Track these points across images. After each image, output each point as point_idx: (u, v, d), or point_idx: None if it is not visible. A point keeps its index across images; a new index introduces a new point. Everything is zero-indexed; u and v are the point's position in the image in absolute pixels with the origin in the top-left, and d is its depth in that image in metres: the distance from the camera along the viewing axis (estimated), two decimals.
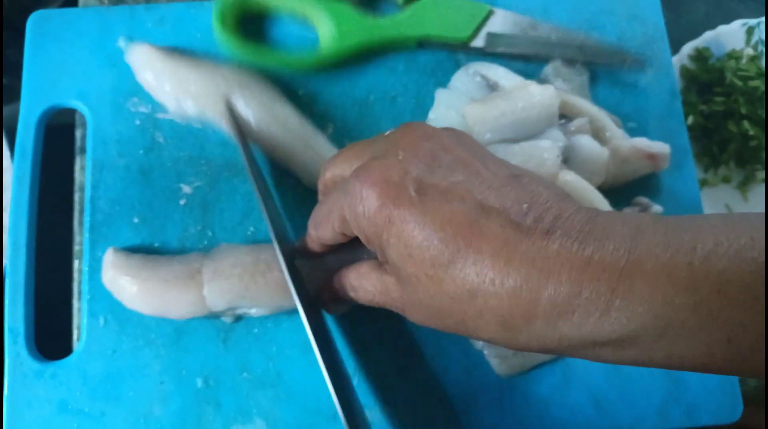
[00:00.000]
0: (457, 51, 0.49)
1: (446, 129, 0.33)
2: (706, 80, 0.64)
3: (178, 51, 0.46)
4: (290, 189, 0.46)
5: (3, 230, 0.56)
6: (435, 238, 0.28)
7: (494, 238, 0.27)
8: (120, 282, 0.41)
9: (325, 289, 0.39)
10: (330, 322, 0.43)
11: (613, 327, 0.25)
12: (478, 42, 0.48)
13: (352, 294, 0.36)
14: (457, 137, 0.32)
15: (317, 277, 0.39)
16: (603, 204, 0.42)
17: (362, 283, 0.35)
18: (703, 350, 0.24)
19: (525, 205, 0.28)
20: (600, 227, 0.26)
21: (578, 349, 0.26)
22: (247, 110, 0.44)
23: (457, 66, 0.48)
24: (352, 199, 0.30)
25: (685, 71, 0.65)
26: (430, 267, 0.28)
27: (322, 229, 0.35)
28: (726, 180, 0.64)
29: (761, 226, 0.24)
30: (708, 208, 0.51)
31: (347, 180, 0.32)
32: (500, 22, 0.48)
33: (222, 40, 0.47)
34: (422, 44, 0.49)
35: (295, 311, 0.42)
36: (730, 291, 0.23)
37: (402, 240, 0.29)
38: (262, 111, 0.44)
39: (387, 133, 0.34)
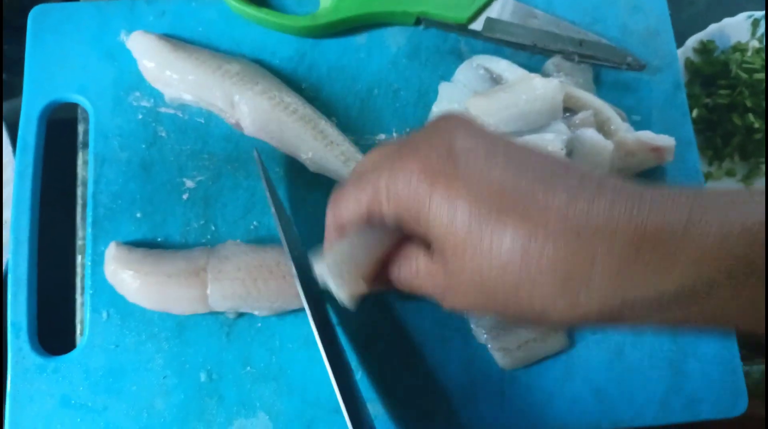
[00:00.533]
0: (454, 32, 0.49)
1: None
2: (710, 73, 0.64)
3: (179, 41, 0.46)
4: (298, 177, 0.46)
5: (3, 225, 0.56)
6: (482, 201, 0.27)
7: (542, 195, 0.26)
8: (122, 276, 0.41)
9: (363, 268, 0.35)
10: (333, 316, 0.43)
11: (678, 284, 0.24)
12: (477, 25, 0.48)
13: (394, 275, 0.34)
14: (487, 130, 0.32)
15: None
16: None
17: (403, 266, 0.33)
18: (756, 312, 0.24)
19: (568, 170, 0.27)
20: (647, 193, 0.26)
21: (641, 311, 0.25)
22: (254, 101, 0.43)
23: (461, 59, 0.48)
24: (391, 172, 0.29)
25: (689, 64, 0.64)
26: (479, 230, 0.27)
27: (345, 204, 0.33)
28: (730, 173, 0.64)
29: None
30: None
31: (389, 157, 0.31)
32: (501, 8, 0.48)
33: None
34: (420, 21, 0.49)
35: (297, 309, 0.42)
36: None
37: (447, 205, 0.27)
38: (270, 100, 0.44)
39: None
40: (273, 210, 0.39)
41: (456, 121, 0.30)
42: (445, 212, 0.28)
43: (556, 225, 0.25)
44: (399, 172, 0.29)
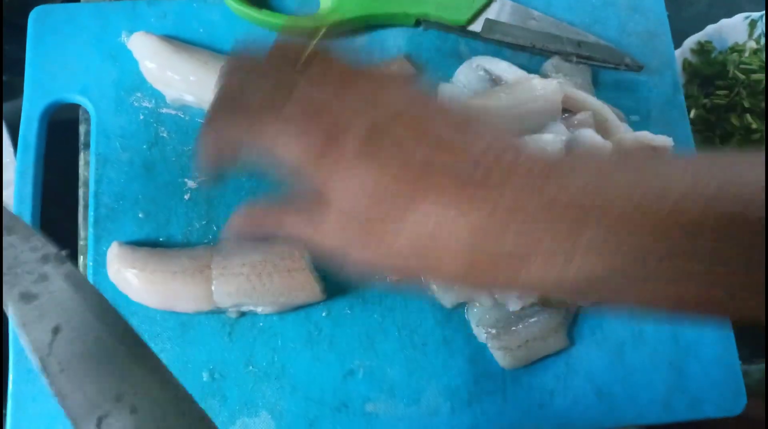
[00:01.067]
0: (454, 33, 0.49)
1: (401, 79, 0.31)
2: (708, 74, 0.64)
3: (180, 42, 0.47)
4: None
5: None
6: (387, 186, 0.26)
7: (446, 193, 0.25)
8: (125, 275, 0.41)
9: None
10: (335, 313, 0.43)
11: (580, 271, 0.24)
12: (476, 27, 0.48)
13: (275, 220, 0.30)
14: (410, 93, 0.29)
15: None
16: None
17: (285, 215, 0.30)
18: (697, 283, 0.23)
19: (475, 158, 0.26)
20: (561, 169, 0.25)
21: (547, 292, 0.25)
22: None
23: (460, 60, 0.48)
24: (287, 121, 0.27)
25: (687, 65, 0.64)
26: (383, 213, 0.26)
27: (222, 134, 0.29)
28: None
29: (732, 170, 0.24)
30: None
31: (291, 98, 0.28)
32: (500, 10, 0.48)
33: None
34: (420, 23, 0.49)
35: (300, 306, 0.42)
36: (705, 231, 0.23)
37: (351, 181, 0.26)
38: None
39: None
40: None
41: (371, 86, 0.29)
42: (351, 185, 0.26)
43: (460, 216, 0.25)
44: (299, 133, 0.27)
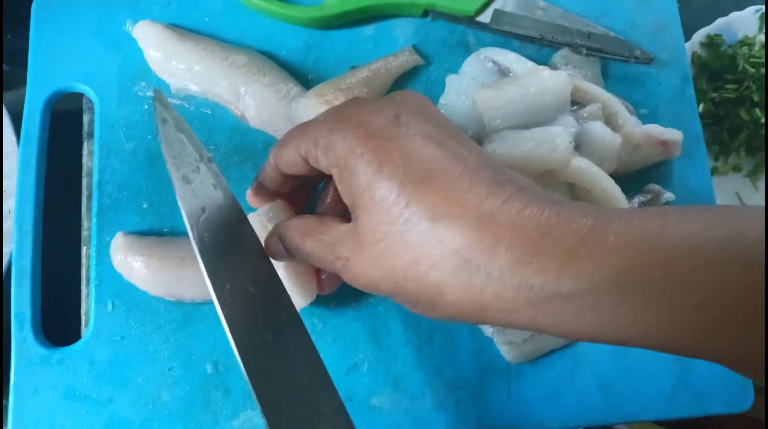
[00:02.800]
0: (462, 24, 0.49)
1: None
2: (717, 67, 0.63)
3: (185, 31, 0.46)
4: None
5: (7, 215, 0.56)
6: (409, 169, 0.27)
7: (467, 177, 0.27)
8: (132, 263, 0.41)
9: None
10: (340, 305, 0.43)
11: (576, 278, 0.24)
12: (484, 18, 0.47)
13: (292, 244, 0.33)
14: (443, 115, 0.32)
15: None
16: (615, 190, 0.41)
17: (307, 236, 0.32)
18: (671, 317, 0.23)
19: (499, 168, 0.28)
20: (568, 200, 0.27)
21: (537, 304, 0.25)
22: (260, 93, 0.43)
23: (468, 51, 0.48)
24: (333, 125, 0.30)
25: (696, 58, 0.64)
26: (397, 196, 0.27)
27: (285, 149, 0.33)
28: (736, 169, 0.64)
29: (738, 208, 0.24)
30: (718, 197, 0.50)
31: (337, 111, 0.31)
32: (509, 0, 0.48)
33: None
34: (428, 13, 0.48)
35: None
36: (704, 253, 0.23)
37: (377, 156, 0.28)
38: (276, 93, 0.43)
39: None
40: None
41: (413, 98, 0.31)
42: (372, 170, 0.28)
43: (469, 211, 0.26)
44: (340, 126, 0.29)
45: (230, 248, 0.32)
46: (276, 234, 0.34)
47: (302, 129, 0.32)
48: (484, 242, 0.26)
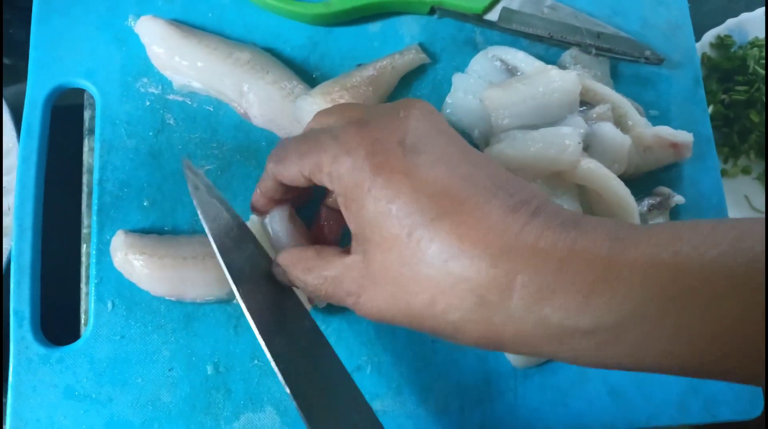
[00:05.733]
0: (469, 22, 0.48)
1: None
2: (727, 68, 0.63)
3: (189, 27, 0.45)
4: None
5: (7, 212, 0.55)
6: (421, 201, 0.26)
7: (478, 208, 0.26)
8: (134, 261, 0.40)
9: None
10: (343, 312, 0.42)
11: (595, 313, 0.24)
12: (492, 16, 0.47)
13: (299, 283, 0.33)
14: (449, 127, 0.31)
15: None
16: (624, 192, 0.41)
17: (308, 274, 0.32)
18: (693, 347, 0.23)
19: (512, 188, 0.27)
20: (583, 221, 0.26)
21: (557, 339, 0.25)
22: (264, 90, 0.43)
23: (476, 49, 0.47)
24: (338, 149, 0.29)
25: (706, 59, 0.63)
26: (410, 230, 0.26)
27: (286, 165, 0.32)
28: (746, 171, 0.63)
29: (750, 224, 0.23)
30: (728, 200, 0.49)
31: (341, 127, 0.30)
32: None
33: None
34: (435, 11, 0.48)
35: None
36: (720, 281, 0.22)
37: (386, 192, 0.27)
38: (280, 91, 0.43)
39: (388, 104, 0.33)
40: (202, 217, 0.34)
41: (418, 112, 0.30)
42: (382, 204, 0.27)
43: (484, 249, 0.25)
44: (345, 152, 0.29)
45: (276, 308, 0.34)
46: (280, 266, 0.34)
47: (304, 150, 0.31)
48: (500, 280, 0.25)
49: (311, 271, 0.32)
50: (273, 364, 0.31)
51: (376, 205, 0.27)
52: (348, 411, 0.33)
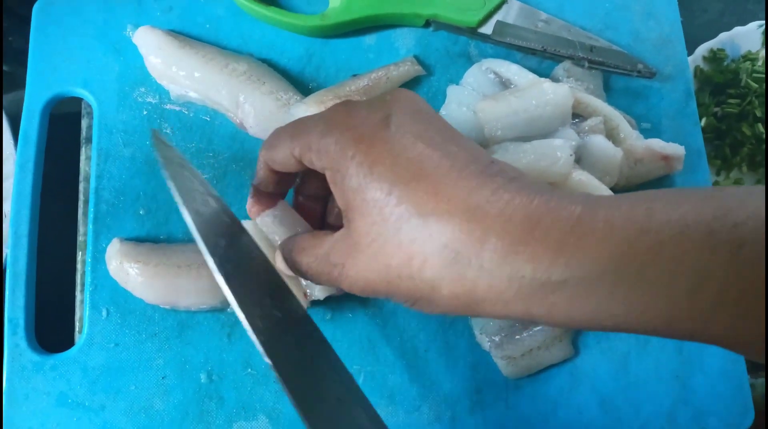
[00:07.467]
0: (464, 35, 0.48)
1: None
2: (720, 82, 0.63)
3: (186, 37, 0.46)
4: None
5: (3, 219, 0.56)
6: (399, 168, 0.28)
7: (455, 171, 0.27)
8: (128, 270, 0.40)
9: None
10: (336, 316, 0.42)
11: (567, 265, 0.24)
12: (486, 29, 0.47)
13: (293, 265, 0.34)
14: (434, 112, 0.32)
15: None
16: None
17: (302, 254, 0.33)
18: (664, 303, 0.23)
19: (493, 162, 0.29)
20: (558, 189, 0.27)
21: (530, 294, 0.25)
22: (260, 101, 0.43)
23: (470, 62, 0.48)
24: (325, 128, 0.30)
25: (699, 72, 0.64)
26: (391, 185, 0.27)
27: (278, 149, 0.33)
28: (738, 183, 0.64)
29: (725, 188, 0.24)
30: None
31: (329, 109, 0.32)
32: (512, 12, 0.47)
33: None
34: (430, 24, 0.48)
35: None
36: (694, 235, 0.23)
37: (368, 158, 0.28)
38: (276, 101, 0.43)
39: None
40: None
41: (404, 96, 0.31)
42: (364, 168, 0.28)
43: (457, 205, 0.26)
44: (331, 129, 0.30)
45: (250, 274, 0.33)
46: (282, 255, 0.35)
47: (294, 132, 0.32)
48: (474, 234, 0.26)
49: (305, 251, 0.33)
50: (270, 364, 0.30)
51: (358, 170, 0.28)
52: (350, 412, 0.33)
